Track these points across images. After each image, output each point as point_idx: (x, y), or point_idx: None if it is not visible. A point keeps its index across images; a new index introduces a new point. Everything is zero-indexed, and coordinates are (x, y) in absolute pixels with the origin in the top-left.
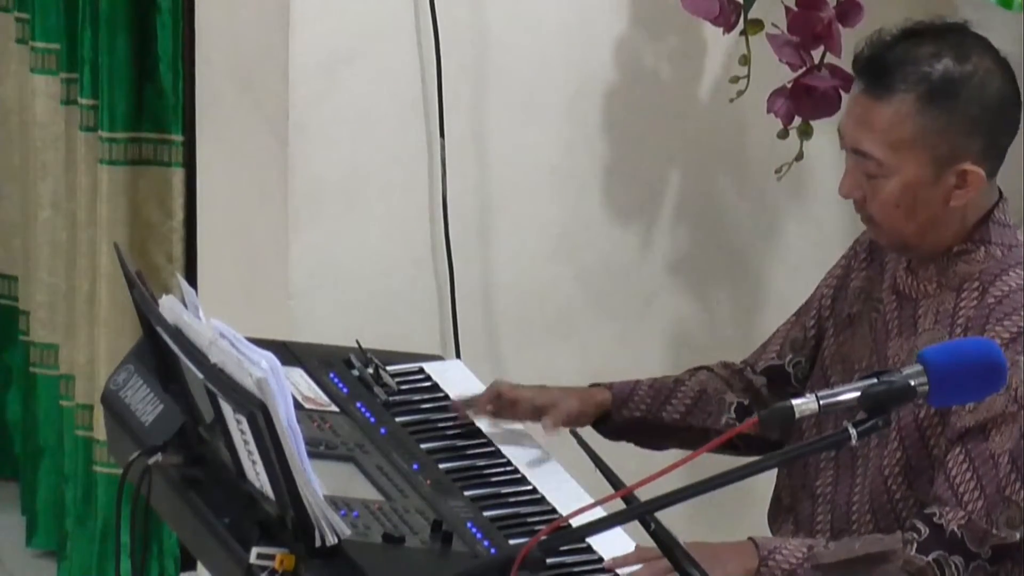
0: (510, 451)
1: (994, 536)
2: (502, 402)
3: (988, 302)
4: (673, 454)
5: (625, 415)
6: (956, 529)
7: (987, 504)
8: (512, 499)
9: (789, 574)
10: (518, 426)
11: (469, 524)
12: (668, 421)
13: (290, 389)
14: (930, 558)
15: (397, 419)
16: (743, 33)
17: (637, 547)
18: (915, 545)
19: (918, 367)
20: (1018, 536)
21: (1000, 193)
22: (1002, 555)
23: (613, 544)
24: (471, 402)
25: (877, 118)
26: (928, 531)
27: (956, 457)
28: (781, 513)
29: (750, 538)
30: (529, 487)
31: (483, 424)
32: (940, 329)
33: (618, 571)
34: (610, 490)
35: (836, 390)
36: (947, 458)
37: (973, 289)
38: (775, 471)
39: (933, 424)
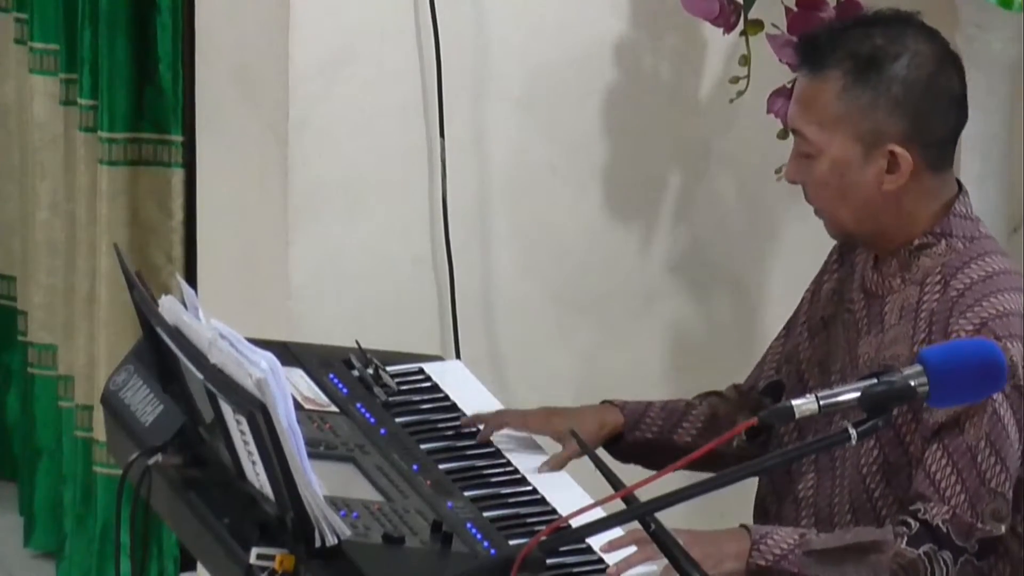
0: (510, 452)
1: (980, 530)
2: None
3: (951, 295)
4: None
5: (637, 436)
6: (941, 524)
7: (970, 498)
8: (512, 500)
9: (780, 558)
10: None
11: (469, 525)
12: (680, 444)
13: (290, 389)
14: (920, 551)
15: (397, 420)
16: (743, 33)
17: (630, 532)
18: (905, 538)
19: (918, 367)
20: (1003, 529)
21: (960, 186)
22: (989, 549)
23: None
24: (480, 420)
25: (811, 96)
26: (917, 526)
27: (934, 453)
28: (768, 520)
29: (742, 525)
30: (529, 487)
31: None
32: (905, 324)
33: (612, 554)
34: (610, 490)
35: (836, 390)
36: (925, 455)
37: (936, 283)
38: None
39: (908, 421)
